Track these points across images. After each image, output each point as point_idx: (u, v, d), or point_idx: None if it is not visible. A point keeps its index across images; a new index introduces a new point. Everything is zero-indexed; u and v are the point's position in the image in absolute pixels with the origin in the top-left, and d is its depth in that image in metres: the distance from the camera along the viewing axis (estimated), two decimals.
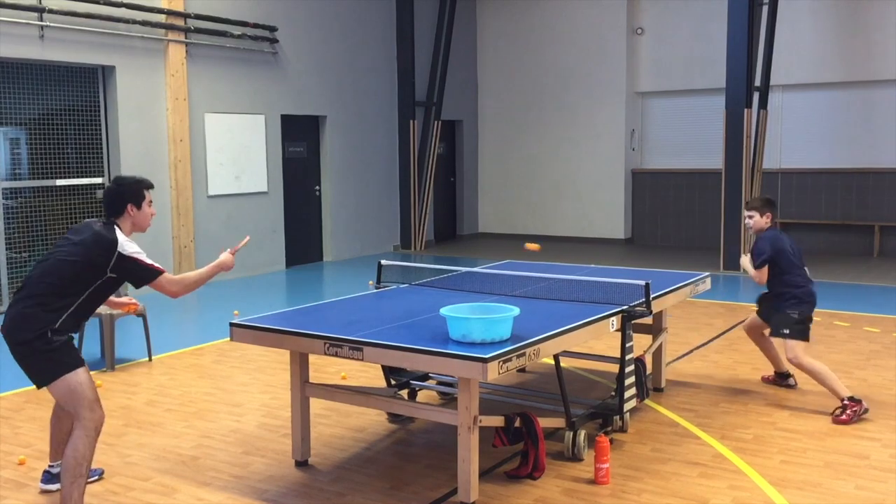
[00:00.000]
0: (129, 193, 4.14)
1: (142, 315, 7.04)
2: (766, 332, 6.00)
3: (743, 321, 8.39)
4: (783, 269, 5.64)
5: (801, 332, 5.57)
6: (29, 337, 3.84)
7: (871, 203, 13.15)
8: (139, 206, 4.15)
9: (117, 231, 4.01)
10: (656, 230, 14.89)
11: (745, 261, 5.85)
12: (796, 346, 5.53)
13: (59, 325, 3.87)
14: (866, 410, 5.38)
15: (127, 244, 3.98)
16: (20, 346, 3.88)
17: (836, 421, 5.31)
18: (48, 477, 4.45)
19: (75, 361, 3.95)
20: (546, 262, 7.37)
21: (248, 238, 4.50)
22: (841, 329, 8.07)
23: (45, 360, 3.88)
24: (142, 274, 4.02)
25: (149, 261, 4.04)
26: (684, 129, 14.87)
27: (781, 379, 6.18)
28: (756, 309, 6.13)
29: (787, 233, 6.30)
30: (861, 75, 13.08)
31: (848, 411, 5.32)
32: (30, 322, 3.85)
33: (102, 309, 5.77)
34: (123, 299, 4.88)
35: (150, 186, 4.25)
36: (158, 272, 4.04)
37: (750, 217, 5.82)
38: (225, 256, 4.34)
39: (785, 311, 5.61)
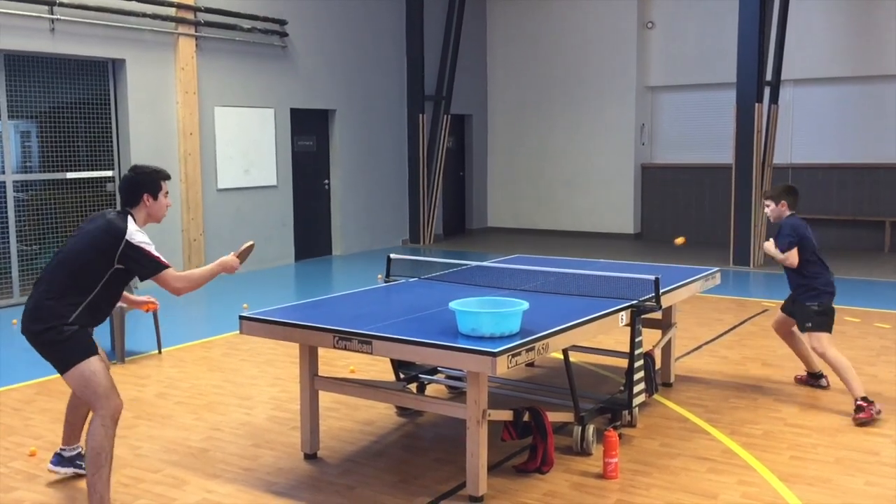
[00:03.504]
0: (147, 183, 4.12)
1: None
2: (794, 328, 5.93)
3: (752, 317, 8.41)
4: (803, 258, 5.55)
5: (823, 323, 5.53)
6: (39, 328, 3.87)
7: (882, 198, 13.07)
8: (155, 197, 4.13)
9: (129, 220, 3.99)
10: (666, 225, 14.83)
11: (770, 245, 5.69)
12: (821, 336, 5.50)
13: (72, 319, 3.87)
14: (879, 412, 5.30)
15: (136, 234, 3.94)
16: (32, 335, 3.91)
17: (857, 421, 5.22)
18: (58, 459, 4.47)
19: (87, 350, 3.93)
20: (555, 256, 7.35)
21: (251, 242, 4.40)
22: (851, 325, 8.03)
23: (58, 350, 3.90)
24: (146, 264, 3.95)
25: (156, 253, 3.98)
26: (695, 123, 14.81)
27: (814, 379, 6.05)
28: (782, 305, 6.03)
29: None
30: (873, 70, 12.99)
31: (865, 411, 5.25)
32: (43, 313, 3.87)
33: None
34: (142, 297, 4.80)
35: (167, 177, 4.22)
36: (164, 266, 3.98)
37: (767, 206, 5.81)
38: (228, 257, 4.24)
39: (805, 303, 5.59)
